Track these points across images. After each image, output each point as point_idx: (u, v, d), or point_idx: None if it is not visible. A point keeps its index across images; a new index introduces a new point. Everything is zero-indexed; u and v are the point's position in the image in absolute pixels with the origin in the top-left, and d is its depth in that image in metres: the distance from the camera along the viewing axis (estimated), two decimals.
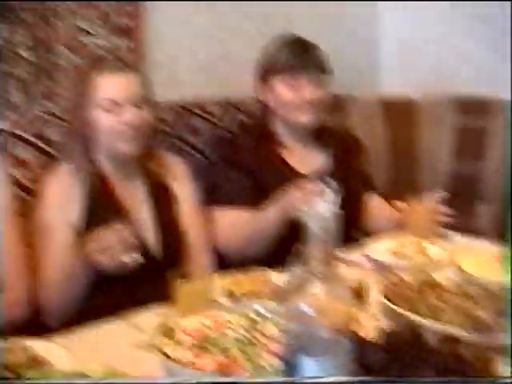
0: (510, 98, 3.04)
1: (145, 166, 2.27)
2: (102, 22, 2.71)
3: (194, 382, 1.63)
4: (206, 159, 2.72)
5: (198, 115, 2.76)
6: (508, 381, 1.38)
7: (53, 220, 2.13)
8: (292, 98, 2.45)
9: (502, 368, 1.41)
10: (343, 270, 1.47)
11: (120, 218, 2.10)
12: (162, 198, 2.29)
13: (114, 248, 1.85)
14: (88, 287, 2.02)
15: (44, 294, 2.06)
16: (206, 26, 3.03)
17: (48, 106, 2.54)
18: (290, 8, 3.25)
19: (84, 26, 2.67)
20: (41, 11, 2.57)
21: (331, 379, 1.26)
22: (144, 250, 2.11)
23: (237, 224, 2.37)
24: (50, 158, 2.35)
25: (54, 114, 2.43)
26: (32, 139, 2.35)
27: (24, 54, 2.56)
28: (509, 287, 1.73)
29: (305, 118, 2.47)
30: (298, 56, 2.45)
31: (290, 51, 2.46)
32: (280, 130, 2.55)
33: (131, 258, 1.87)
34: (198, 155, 2.72)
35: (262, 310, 1.63)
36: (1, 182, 2.03)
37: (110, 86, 2.14)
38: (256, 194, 2.39)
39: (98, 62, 2.20)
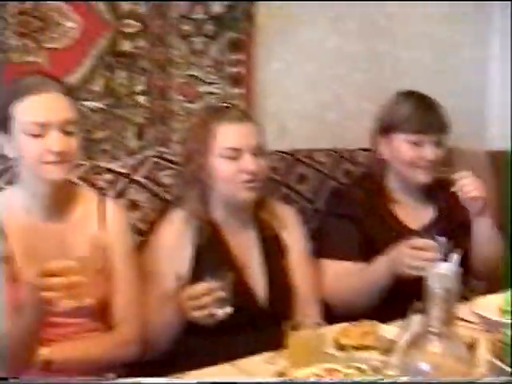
0: None
1: (256, 214, 2.28)
2: (215, 71, 2.78)
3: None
4: (315, 209, 2.71)
5: (307, 164, 2.77)
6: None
7: (161, 265, 2.16)
8: (412, 156, 2.42)
9: None
10: (458, 327, 1.44)
11: (229, 266, 2.11)
12: (272, 248, 2.28)
13: (209, 306, 1.90)
14: (180, 334, 2.05)
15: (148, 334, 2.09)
16: (314, 74, 3.05)
17: (162, 151, 2.61)
18: (399, 58, 3.25)
19: (198, 74, 2.75)
20: (158, 60, 2.67)
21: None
22: (252, 299, 2.12)
23: (346, 276, 2.34)
24: (163, 202, 2.40)
25: (167, 159, 2.49)
26: (146, 183, 2.41)
27: (141, 99, 2.66)
28: None
29: (423, 177, 2.45)
30: (423, 117, 2.42)
31: (415, 111, 2.43)
32: (393, 184, 2.52)
33: (224, 313, 1.92)
34: (307, 204, 2.72)
35: (373, 362, 1.61)
36: (122, 225, 2.08)
37: (232, 135, 2.16)
38: (365, 248, 2.37)
39: (219, 111, 2.22)
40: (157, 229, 2.24)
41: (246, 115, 2.22)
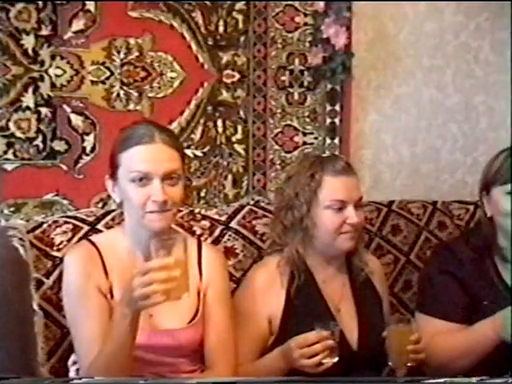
0: None
1: (349, 261, 2.28)
2: (311, 121, 2.82)
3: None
4: (408, 260, 2.69)
5: (401, 215, 2.74)
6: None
7: (254, 307, 2.17)
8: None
9: None
10: None
11: (324, 315, 2.12)
12: (365, 292, 2.27)
13: (320, 355, 1.93)
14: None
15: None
16: (410, 126, 3.05)
17: (258, 199, 2.67)
18: (494, 108, 3.21)
19: (294, 124, 2.81)
20: (256, 109, 2.74)
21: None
22: (344, 344, 2.10)
23: (446, 335, 2.27)
24: (258, 250, 2.42)
25: (263, 208, 2.51)
26: (241, 230, 2.44)
27: (238, 148, 2.72)
28: None
29: None
30: None
31: (506, 161, 2.37)
32: (502, 242, 2.37)
33: (331, 361, 1.95)
34: (401, 256, 2.69)
35: None
36: (218, 269, 2.11)
37: (338, 188, 2.17)
38: (470, 308, 2.30)
39: (325, 162, 2.23)
40: (251, 272, 2.26)
41: (350, 167, 2.23)
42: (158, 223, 1.93)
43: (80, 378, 1.92)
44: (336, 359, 1.96)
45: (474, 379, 1.45)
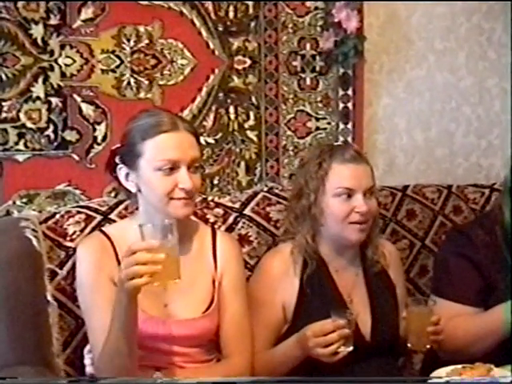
0: None
1: (362, 251, 2.26)
2: (323, 106, 2.80)
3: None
4: (423, 245, 2.67)
5: (416, 200, 2.72)
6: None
7: (268, 294, 2.16)
8: None
9: None
10: None
11: (337, 305, 2.11)
12: (378, 284, 2.25)
13: (336, 344, 1.92)
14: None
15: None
16: (423, 110, 3.03)
17: (271, 186, 2.65)
18: (508, 91, 3.18)
19: (307, 109, 2.79)
20: (268, 95, 2.72)
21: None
22: (357, 334, 2.08)
23: (461, 320, 2.26)
24: (271, 237, 2.41)
25: (277, 194, 2.50)
26: (255, 217, 2.42)
27: (251, 135, 2.70)
28: None
29: None
30: None
31: None
32: None
33: (346, 351, 1.94)
34: (416, 241, 2.67)
35: None
36: (233, 258, 2.09)
37: (347, 175, 2.15)
38: (485, 292, 2.28)
39: (335, 150, 2.21)
40: (265, 259, 2.25)
41: (360, 155, 2.20)
42: (183, 210, 1.92)
43: (83, 378, 1.92)
44: (351, 348, 1.95)
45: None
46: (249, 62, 2.68)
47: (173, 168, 1.90)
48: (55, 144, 2.46)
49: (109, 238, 2.00)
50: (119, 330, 1.78)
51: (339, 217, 2.14)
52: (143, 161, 1.93)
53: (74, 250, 2.09)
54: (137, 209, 2.04)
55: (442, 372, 1.89)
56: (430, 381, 1.82)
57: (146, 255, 1.68)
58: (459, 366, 1.90)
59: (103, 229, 2.08)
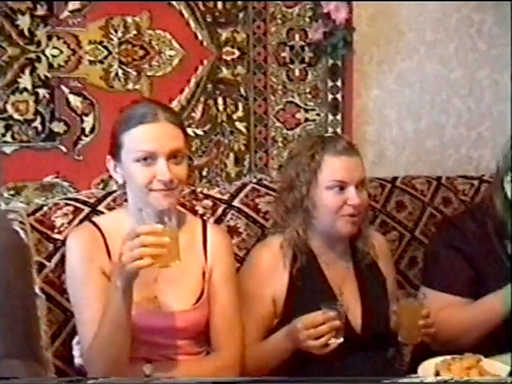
0: None
1: (352, 243, 2.26)
2: (313, 97, 2.79)
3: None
4: (413, 237, 2.67)
5: (405, 191, 2.72)
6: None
7: (258, 287, 2.16)
8: None
9: None
10: None
11: (327, 298, 2.10)
12: (369, 276, 2.25)
13: (326, 336, 1.93)
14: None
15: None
16: (413, 101, 3.02)
17: (260, 177, 2.66)
18: (498, 82, 3.19)
19: (296, 100, 2.77)
20: (257, 86, 2.70)
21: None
22: (349, 329, 2.08)
23: (451, 310, 2.26)
24: (260, 228, 2.40)
25: (266, 186, 2.50)
26: (244, 209, 2.42)
27: (239, 126, 2.69)
28: None
29: None
30: None
31: None
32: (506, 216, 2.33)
33: (337, 342, 1.95)
34: (406, 232, 2.67)
35: None
36: (223, 250, 2.09)
37: (339, 168, 2.14)
38: (475, 283, 2.28)
39: (326, 142, 2.20)
40: (254, 252, 2.24)
41: (352, 147, 2.19)
42: (163, 201, 1.90)
43: (85, 378, 1.91)
44: (341, 340, 1.95)
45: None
46: (237, 53, 2.66)
47: (151, 159, 1.89)
48: (43, 136, 2.44)
49: (99, 228, 1.99)
50: (113, 321, 1.78)
51: (332, 210, 2.13)
52: (124, 152, 1.93)
53: (62, 242, 2.08)
54: (125, 200, 2.03)
55: (431, 363, 1.90)
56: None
57: (151, 238, 1.70)
58: (448, 357, 1.91)
59: (93, 219, 2.07)
